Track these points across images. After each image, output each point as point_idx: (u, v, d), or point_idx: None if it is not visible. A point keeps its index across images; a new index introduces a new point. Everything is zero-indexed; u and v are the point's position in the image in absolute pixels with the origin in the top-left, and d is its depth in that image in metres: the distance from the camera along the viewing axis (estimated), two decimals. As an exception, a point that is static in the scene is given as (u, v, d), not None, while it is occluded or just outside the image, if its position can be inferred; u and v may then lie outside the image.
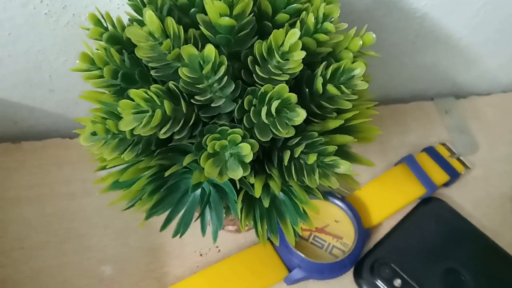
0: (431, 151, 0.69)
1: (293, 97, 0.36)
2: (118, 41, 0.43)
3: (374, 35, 0.43)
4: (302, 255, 0.57)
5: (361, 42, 0.42)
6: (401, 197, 0.64)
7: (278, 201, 0.44)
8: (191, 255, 0.60)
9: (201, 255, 0.60)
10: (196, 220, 0.43)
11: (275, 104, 0.35)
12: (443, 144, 0.71)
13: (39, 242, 0.60)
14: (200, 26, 0.39)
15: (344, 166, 0.38)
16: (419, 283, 0.57)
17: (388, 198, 0.64)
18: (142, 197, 0.42)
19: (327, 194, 0.62)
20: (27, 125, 0.69)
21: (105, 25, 0.44)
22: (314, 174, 0.39)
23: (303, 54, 0.37)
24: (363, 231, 0.60)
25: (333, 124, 0.41)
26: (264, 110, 0.36)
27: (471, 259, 0.60)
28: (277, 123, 0.36)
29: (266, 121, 0.36)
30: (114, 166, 0.42)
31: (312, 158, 0.38)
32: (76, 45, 0.57)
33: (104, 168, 0.43)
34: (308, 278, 0.57)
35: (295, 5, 0.40)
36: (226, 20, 0.37)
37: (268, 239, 0.44)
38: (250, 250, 0.59)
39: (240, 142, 0.36)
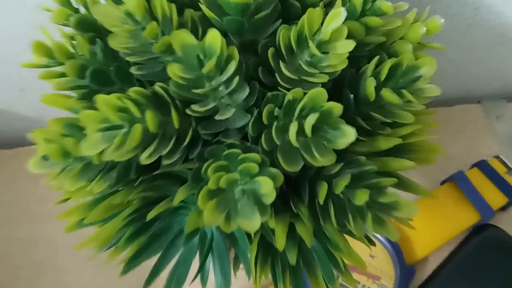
0: (484, 167, 0.57)
1: (337, 108, 0.24)
2: (91, 27, 0.32)
3: (442, 20, 0.31)
4: (330, 301, 0.45)
5: (424, 29, 0.30)
6: (450, 225, 0.53)
7: (306, 248, 0.32)
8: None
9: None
10: (194, 280, 0.32)
11: (311, 119, 0.23)
12: (497, 157, 0.59)
13: (6, 276, 0.50)
14: (201, 6, 0.27)
15: (407, 209, 0.27)
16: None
17: (434, 226, 0.53)
18: (118, 243, 0.30)
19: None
20: (-4, 131, 0.58)
21: (75, 5, 0.32)
22: (364, 219, 0.27)
23: (351, 45, 0.25)
24: (406, 269, 0.49)
25: (386, 143, 0.30)
26: (293, 128, 0.24)
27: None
28: (312, 146, 0.25)
29: (295, 143, 0.24)
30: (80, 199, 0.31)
31: (361, 197, 0.26)
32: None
33: (67, 200, 0.31)
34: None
35: (334, -24, 0.29)
36: (238, -5, 0.25)
37: None
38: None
39: (257, 174, 0.25)
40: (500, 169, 0.57)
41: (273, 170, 0.25)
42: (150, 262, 0.33)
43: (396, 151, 0.32)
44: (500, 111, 0.65)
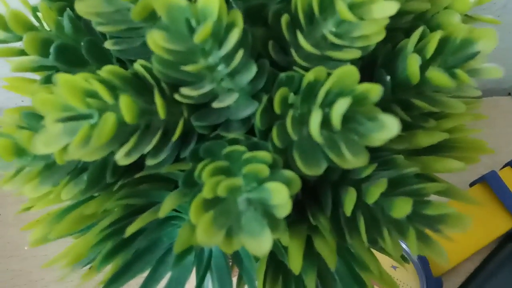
0: (519, 165, 0.51)
1: (375, 92, 0.18)
2: (62, -6, 0.25)
3: (498, -15, 0.25)
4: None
5: (476, -4, 0.25)
6: (481, 232, 0.48)
7: (326, 267, 0.26)
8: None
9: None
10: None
11: (341, 105, 0.17)
12: (532, 155, 0.53)
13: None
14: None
15: (459, 223, 0.21)
16: None
17: (464, 234, 0.46)
18: (93, 262, 0.24)
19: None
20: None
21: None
22: (403, 235, 0.21)
23: (393, 7, 0.19)
24: (432, 281, 0.43)
25: (428, 139, 0.24)
26: (316, 117, 0.18)
27: None
28: (341, 142, 0.19)
29: (319, 138, 0.18)
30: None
31: (402, 208, 0.20)
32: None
33: (29, 209, 0.25)
34: None
35: None
36: None
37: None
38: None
39: (268, 179, 0.19)
40: (536, 168, 0.51)
41: (288, 173, 0.19)
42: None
43: (436, 148, 0.26)
44: (532, 103, 0.59)
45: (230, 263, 0.27)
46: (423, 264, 0.43)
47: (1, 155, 0.20)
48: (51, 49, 0.23)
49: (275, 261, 0.25)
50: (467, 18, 0.26)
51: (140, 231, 0.25)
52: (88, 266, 0.26)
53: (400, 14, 0.23)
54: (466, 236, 0.46)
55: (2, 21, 0.23)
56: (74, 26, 0.24)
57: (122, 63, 0.25)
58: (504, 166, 0.52)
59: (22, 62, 0.24)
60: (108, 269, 0.26)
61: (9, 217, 0.47)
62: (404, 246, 0.44)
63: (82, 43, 0.23)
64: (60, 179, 0.23)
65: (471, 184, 0.52)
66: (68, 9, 0.24)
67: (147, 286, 0.26)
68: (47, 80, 0.24)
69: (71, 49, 0.23)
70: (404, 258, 0.26)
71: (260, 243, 0.18)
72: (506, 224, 0.47)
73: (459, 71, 0.21)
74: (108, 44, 0.22)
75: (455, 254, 0.46)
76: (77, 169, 0.23)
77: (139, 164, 0.22)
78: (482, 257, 0.48)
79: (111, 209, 0.24)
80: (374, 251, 0.26)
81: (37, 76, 0.26)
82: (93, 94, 0.19)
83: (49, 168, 0.22)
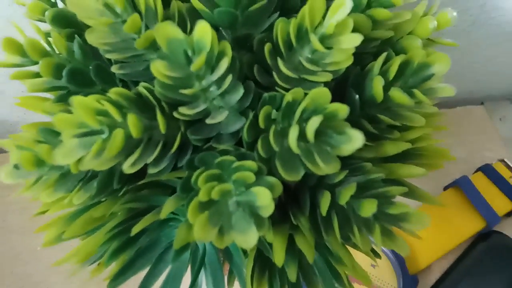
0: (489, 171, 0.55)
1: (342, 110, 0.21)
2: (70, 22, 0.29)
3: (454, 13, 0.29)
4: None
5: (434, 24, 0.28)
6: (454, 232, 0.51)
7: (307, 261, 0.30)
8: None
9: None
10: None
11: (314, 122, 0.21)
12: (502, 161, 0.56)
13: (-16, 291, 0.46)
14: (190, -3, 0.25)
15: (419, 220, 0.24)
16: None
17: (438, 234, 0.50)
18: (101, 259, 0.28)
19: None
20: (-26, 135, 0.54)
21: (52, -1, 0.30)
22: (370, 232, 0.24)
23: (358, 39, 0.22)
24: (409, 279, 0.46)
25: (394, 148, 0.27)
26: (293, 132, 0.21)
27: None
28: (314, 153, 0.22)
29: (296, 149, 0.22)
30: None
31: (368, 208, 0.23)
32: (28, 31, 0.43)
33: (44, 213, 0.28)
34: None
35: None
36: (231, -16, 0.22)
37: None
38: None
39: (254, 184, 0.22)
40: (505, 173, 0.55)
41: (271, 179, 0.23)
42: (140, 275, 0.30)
43: (402, 156, 0.29)
44: (504, 112, 0.63)
45: (222, 260, 0.30)
46: (400, 262, 0.47)
47: (24, 166, 0.23)
48: (64, 73, 0.26)
49: (262, 257, 0.28)
50: (429, 41, 0.30)
51: (143, 231, 0.28)
52: (94, 264, 0.29)
53: (367, 40, 0.27)
54: (440, 237, 0.50)
55: (19, 48, 0.26)
56: (83, 51, 0.27)
57: (124, 82, 0.29)
58: (475, 171, 0.56)
59: (37, 83, 0.27)
60: (112, 267, 0.29)
61: (13, 224, 0.50)
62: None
63: (91, 67, 0.26)
64: (72, 186, 0.26)
65: (445, 188, 0.55)
66: (76, 36, 0.27)
67: (148, 280, 0.29)
68: (60, 99, 0.27)
69: (81, 72, 0.27)
70: (375, 253, 0.30)
71: (247, 238, 0.21)
72: (477, 225, 0.51)
73: (416, 91, 0.24)
74: (114, 69, 0.25)
75: (430, 253, 0.49)
76: (88, 177, 0.26)
77: (141, 172, 0.25)
78: (455, 256, 0.51)
79: (117, 212, 0.27)
80: (353, 251, 0.29)
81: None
82: (103, 113, 0.22)
83: (64, 176, 0.25)
